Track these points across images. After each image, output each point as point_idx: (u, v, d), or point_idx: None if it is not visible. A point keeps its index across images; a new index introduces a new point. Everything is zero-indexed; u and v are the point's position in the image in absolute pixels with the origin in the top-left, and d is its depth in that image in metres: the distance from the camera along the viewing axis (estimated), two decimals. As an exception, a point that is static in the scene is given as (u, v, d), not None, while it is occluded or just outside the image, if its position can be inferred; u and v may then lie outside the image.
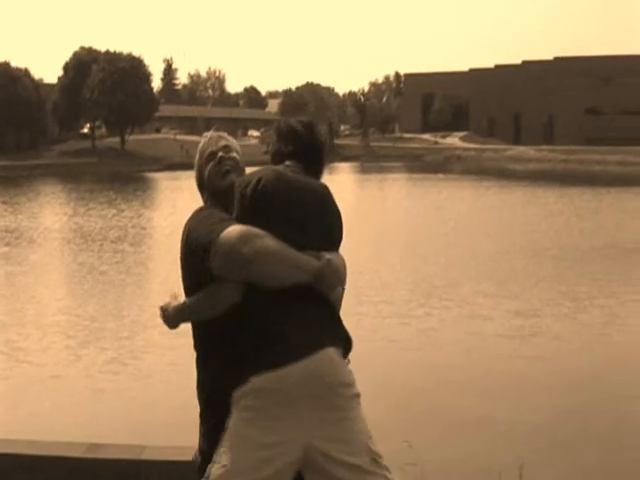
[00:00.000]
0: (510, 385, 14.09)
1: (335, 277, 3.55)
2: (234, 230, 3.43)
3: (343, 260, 3.67)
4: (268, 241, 3.42)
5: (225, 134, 4.10)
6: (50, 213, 46.79)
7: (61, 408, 13.11)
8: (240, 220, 3.51)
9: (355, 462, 3.38)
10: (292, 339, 3.37)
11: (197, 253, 3.50)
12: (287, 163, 3.78)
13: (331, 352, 3.43)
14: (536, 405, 13.05)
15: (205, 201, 3.91)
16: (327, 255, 3.52)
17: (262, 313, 3.43)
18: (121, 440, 6.38)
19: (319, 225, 3.63)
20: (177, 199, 52.50)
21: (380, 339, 16.80)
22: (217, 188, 3.86)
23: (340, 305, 3.68)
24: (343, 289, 3.73)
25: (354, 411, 3.47)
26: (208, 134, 4.11)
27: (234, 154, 3.97)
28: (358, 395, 3.51)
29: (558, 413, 12.72)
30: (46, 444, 5.46)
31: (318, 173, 3.86)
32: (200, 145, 4.07)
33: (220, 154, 3.93)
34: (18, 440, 5.63)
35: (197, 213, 3.73)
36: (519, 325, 18.22)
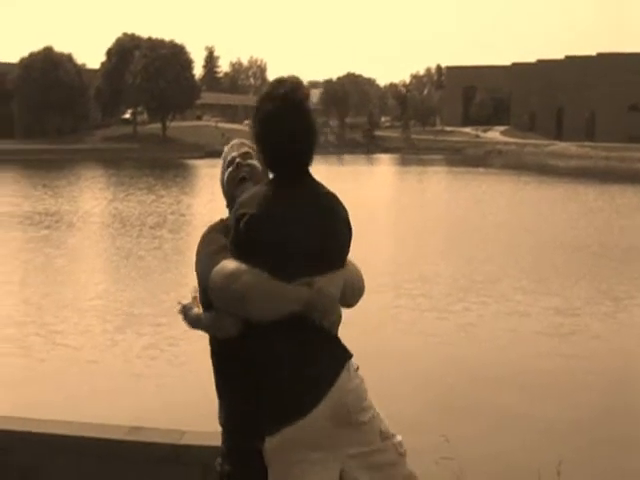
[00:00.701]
0: (548, 383, 13.96)
1: (326, 304, 3.43)
2: (223, 268, 3.41)
3: (347, 275, 3.56)
4: (255, 277, 3.37)
5: (248, 141, 3.99)
6: (90, 197, 47.12)
7: (98, 392, 13.15)
8: (232, 251, 3.47)
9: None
10: (308, 376, 3.37)
11: (201, 284, 3.56)
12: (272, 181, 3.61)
13: (345, 379, 3.40)
14: (575, 403, 12.93)
15: (227, 206, 3.86)
16: (320, 281, 3.41)
17: (265, 347, 3.43)
18: (159, 425, 6.37)
19: (315, 248, 3.47)
20: (216, 186, 52.28)
21: (418, 333, 16.74)
22: (233, 195, 3.80)
23: (337, 327, 3.54)
24: (351, 303, 3.65)
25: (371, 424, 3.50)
26: (232, 141, 4.05)
27: (253, 161, 3.88)
28: (372, 408, 3.51)
29: (597, 412, 12.60)
30: (87, 426, 5.43)
31: (305, 166, 3.56)
32: (224, 151, 4.01)
33: (238, 160, 3.88)
34: (58, 421, 5.62)
35: (205, 236, 3.72)
36: (558, 323, 18.06)
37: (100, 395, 13.01)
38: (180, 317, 3.64)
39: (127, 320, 17.55)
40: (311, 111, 3.55)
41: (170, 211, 39.27)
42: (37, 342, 15.91)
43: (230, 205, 3.81)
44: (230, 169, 3.87)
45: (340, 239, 3.54)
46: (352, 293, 3.59)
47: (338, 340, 3.52)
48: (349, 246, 3.57)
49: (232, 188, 3.84)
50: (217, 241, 3.61)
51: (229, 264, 3.40)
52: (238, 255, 3.42)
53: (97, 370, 14.44)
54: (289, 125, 3.45)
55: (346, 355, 3.47)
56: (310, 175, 3.55)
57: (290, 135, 3.46)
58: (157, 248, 27.59)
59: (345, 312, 3.52)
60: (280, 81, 3.54)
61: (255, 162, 3.85)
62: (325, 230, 3.47)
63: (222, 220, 3.78)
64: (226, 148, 3.99)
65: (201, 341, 3.69)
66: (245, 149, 3.92)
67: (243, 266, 3.38)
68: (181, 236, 31.36)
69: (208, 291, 3.44)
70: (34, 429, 5.30)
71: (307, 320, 3.40)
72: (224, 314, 3.44)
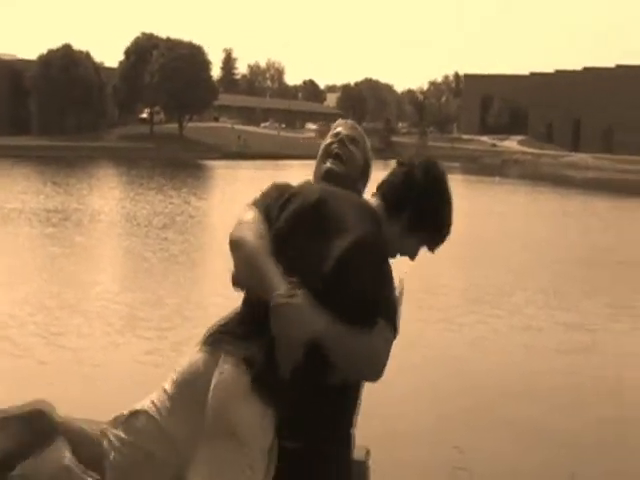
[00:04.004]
0: (562, 398, 13.65)
1: (280, 324, 2.85)
2: (242, 215, 3.13)
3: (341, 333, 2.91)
4: (254, 242, 3.00)
5: (361, 130, 3.57)
6: (99, 196, 46.84)
7: (98, 396, 12.78)
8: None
9: None
10: None
11: None
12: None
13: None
14: (589, 419, 12.66)
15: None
16: (297, 291, 2.86)
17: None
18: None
19: (326, 262, 2.98)
20: (228, 189, 52.32)
21: (428, 346, 16.36)
22: (319, 168, 3.39)
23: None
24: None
25: None
26: (347, 121, 3.60)
27: (357, 150, 3.45)
28: None
29: (612, 428, 12.34)
30: (90, 423, 5.14)
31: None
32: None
33: (345, 135, 3.45)
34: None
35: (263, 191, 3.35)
36: (573, 339, 17.66)
37: (101, 399, 12.63)
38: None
39: (130, 323, 17.21)
40: None
41: (178, 212, 38.96)
42: (38, 343, 15.56)
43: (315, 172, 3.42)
44: (332, 140, 3.43)
45: (362, 284, 3.01)
46: (345, 360, 2.96)
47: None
48: (374, 305, 3.05)
49: (323, 158, 3.42)
50: (268, 195, 3.26)
51: (249, 213, 3.12)
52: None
53: (99, 374, 14.09)
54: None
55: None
56: None
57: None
58: (164, 250, 27.26)
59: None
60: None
61: (358, 153, 3.44)
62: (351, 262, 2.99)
63: (286, 183, 3.33)
64: (336, 123, 3.53)
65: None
66: (355, 133, 3.48)
67: (258, 224, 3.07)
68: (187, 238, 30.99)
69: None
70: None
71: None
72: None
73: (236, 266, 3.07)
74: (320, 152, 3.46)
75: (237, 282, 3.14)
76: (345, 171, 3.36)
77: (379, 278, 3.08)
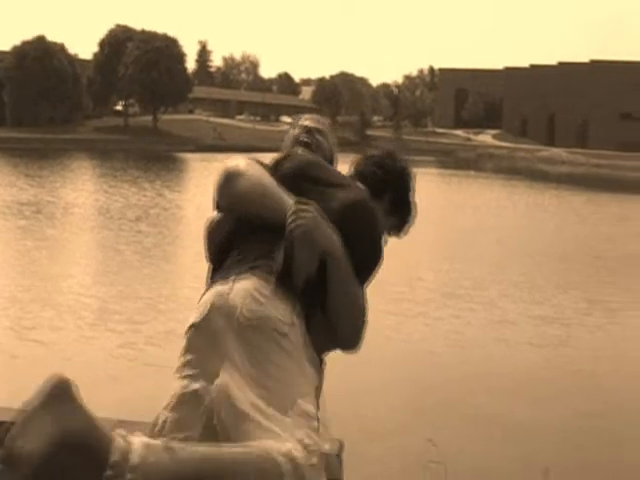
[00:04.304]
0: (536, 392, 13.68)
1: (299, 229, 2.85)
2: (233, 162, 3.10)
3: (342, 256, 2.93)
4: (256, 167, 3.08)
5: (328, 125, 3.61)
6: (72, 189, 46.45)
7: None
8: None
9: None
10: None
11: None
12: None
13: None
14: (563, 412, 12.71)
15: None
16: (312, 203, 2.91)
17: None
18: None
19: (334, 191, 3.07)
20: (202, 182, 52.08)
21: (404, 340, 16.34)
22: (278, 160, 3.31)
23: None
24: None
25: None
26: (308, 115, 3.67)
27: (326, 141, 3.49)
28: None
29: (585, 421, 12.39)
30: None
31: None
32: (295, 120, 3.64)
33: (312, 126, 3.49)
34: None
35: None
36: (547, 333, 17.67)
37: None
38: None
39: (103, 316, 17.05)
40: None
41: (151, 204, 38.75)
42: (9, 337, 15.41)
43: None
44: (299, 131, 3.46)
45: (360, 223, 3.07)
46: (344, 278, 2.97)
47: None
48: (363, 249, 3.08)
49: (288, 147, 3.42)
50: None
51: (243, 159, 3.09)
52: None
53: (71, 368, 13.94)
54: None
55: None
56: None
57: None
58: (137, 242, 27.09)
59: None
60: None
61: (327, 144, 3.47)
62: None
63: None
64: (302, 117, 3.60)
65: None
66: (322, 127, 3.52)
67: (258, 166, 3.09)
68: (161, 231, 30.83)
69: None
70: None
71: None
72: None
73: (236, 193, 3.01)
74: (287, 143, 3.47)
75: (230, 211, 3.10)
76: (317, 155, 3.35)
77: (379, 242, 3.16)
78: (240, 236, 3.05)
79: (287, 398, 2.63)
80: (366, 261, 3.08)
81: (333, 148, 3.54)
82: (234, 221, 3.07)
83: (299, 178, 3.09)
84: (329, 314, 2.95)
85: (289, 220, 2.85)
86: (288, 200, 2.92)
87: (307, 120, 3.54)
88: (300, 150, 3.34)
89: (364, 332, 3.09)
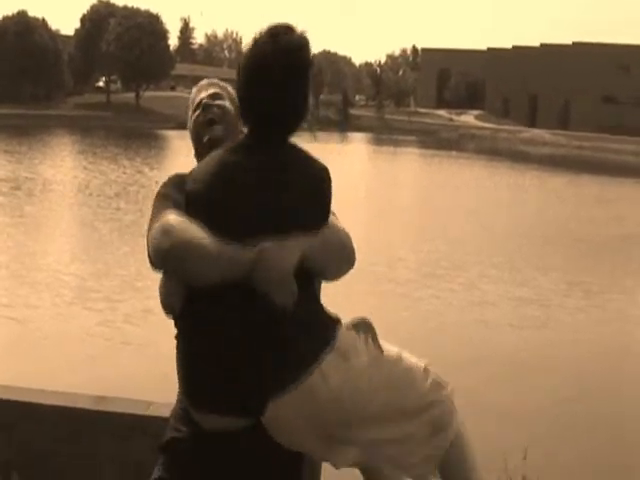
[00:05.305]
0: (515, 371, 13.75)
1: (270, 272, 2.72)
2: (160, 224, 2.84)
3: (318, 240, 2.84)
4: (192, 232, 2.75)
5: (219, 81, 3.41)
6: (51, 165, 46.01)
7: (49, 367, 12.54)
8: (187, 210, 2.87)
9: None
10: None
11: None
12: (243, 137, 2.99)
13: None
14: (541, 392, 12.87)
15: (195, 155, 3.30)
16: (266, 244, 2.72)
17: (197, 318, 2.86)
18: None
19: (272, 210, 2.80)
20: (182, 160, 51.78)
21: (383, 319, 16.25)
22: (201, 143, 3.22)
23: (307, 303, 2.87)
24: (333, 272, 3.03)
25: None
26: (200, 82, 3.45)
27: (224, 102, 3.28)
28: None
29: (563, 400, 12.54)
30: (53, 394, 5.09)
31: (285, 134, 2.94)
32: (191, 94, 3.43)
33: (205, 101, 3.29)
34: (24, 388, 5.24)
35: (157, 192, 3.13)
36: (527, 314, 17.69)
37: (51, 372, 12.39)
38: None
39: (81, 294, 16.94)
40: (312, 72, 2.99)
41: (130, 182, 38.50)
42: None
43: (195, 158, 3.25)
44: (197, 112, 3.29)
45: (305, 193, 2.87)
46: (328, 262, 2.93)
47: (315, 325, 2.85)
48: (323, 206, 2.94)
49: (200, 133, 3.25)
50: (167, 194, 3.03)
51: (169, 219, 2.82)
52: (190, 212, 2.85)
53: (48, 346, 13.84)
54: (284, 76, 2.91)
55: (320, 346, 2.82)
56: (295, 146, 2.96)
57: (283, 89, 2.89)
58: (115, 220, 26.90)
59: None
60: (285, 26, 3.15)
61: (226, 103, 3.27)
62: (283, 181, 2.85)
63: (177, 175, 3.13)
64: (194, 89, 3.42)
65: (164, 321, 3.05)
66: (214, 90, 3.33)
67: (185, 223, 2.78)
68: (140, 208, 30.66)
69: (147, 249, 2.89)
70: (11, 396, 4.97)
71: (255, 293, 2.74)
72: (167, 279, 2.85)
73: (188, 270, 2.77)
74: (192, 127, 3.34)
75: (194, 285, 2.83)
76: (225, 129, 3.21)
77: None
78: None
79: None
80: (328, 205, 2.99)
81: (234, 97, 3.27)
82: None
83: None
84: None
85: (257, 269, 2.72)
86: (242, 253, 2.74)
87: (198, 94, 3.37)
88: (207, 133, 3.21)
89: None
